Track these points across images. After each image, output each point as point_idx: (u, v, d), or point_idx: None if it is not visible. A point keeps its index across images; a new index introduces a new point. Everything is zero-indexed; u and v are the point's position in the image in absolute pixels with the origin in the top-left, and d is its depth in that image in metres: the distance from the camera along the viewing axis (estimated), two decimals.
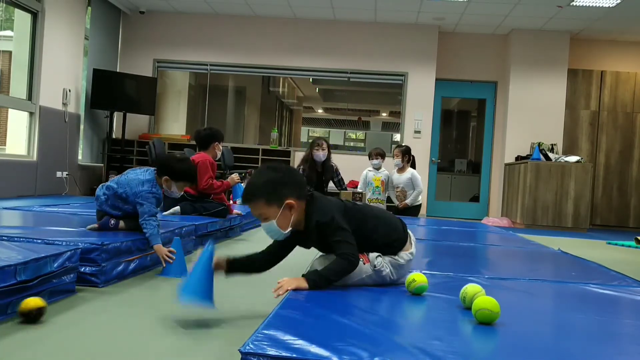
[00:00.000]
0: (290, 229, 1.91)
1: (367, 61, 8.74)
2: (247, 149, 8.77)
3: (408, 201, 6.15)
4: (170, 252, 2.70)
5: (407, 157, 6.21)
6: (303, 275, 1.88)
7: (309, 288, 1.82)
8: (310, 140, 6.18)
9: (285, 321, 1.42)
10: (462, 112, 11.05)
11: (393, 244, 2.04)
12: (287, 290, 1.79)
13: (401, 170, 6.22)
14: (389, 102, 12.00)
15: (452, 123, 10.94)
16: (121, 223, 2.85)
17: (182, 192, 3.08)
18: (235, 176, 4.64)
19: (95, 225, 2.82)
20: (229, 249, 3.83)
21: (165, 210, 4.24)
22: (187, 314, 2.01)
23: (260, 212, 1.89)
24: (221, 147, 4.67)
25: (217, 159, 4.68)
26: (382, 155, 6.27)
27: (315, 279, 1.85)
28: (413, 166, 6.38)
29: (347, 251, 1.88)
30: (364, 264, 1.96)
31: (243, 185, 4.79)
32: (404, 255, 2.04)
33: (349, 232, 1.92)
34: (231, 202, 5.38)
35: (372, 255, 1.98)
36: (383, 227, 2.04)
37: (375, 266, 1.96)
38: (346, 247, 1.89)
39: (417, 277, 1.87)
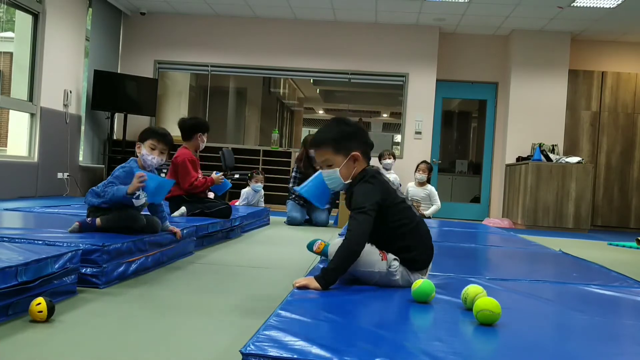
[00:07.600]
0: (350, 181, 1.99)
1: (367, 62, 8.75)
2: (248, 150, 8.78)
3: (427, 213, 6.42)
4: (140, 177, 2.68)
5: (430, 174, 6.67)
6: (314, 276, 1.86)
7: (321, 287, 1.80)
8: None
9: (287, 322, 1.42)
10: (462, 113, 11.04)
11: (415, 258, 1.99)
12: (299, 285, 1.80)
13: (422, 184, 6.58)
14: (390, 103, 11.99)
15: (453, 124, 10.94)
16: (98, 221, 2.75)
17: (159, 159, 2.88)
18: (218, 176, 4.49)
19: (77, 225, 2.74)
20: (230, 250, 3.83)
21: (171, 212, 4.24)
22: (188, 315, 2.01)
23: (326, 158, 1.99)
24: (205, 139, 4.54)
25: (200, 150, 4.61)
26: (395, 156, 6.85)
27: (321, 275, 1.83)
28: (428, 181, 6.69)
29: (351, 231, 1.86)
30: (382, 260, 1.93)
31: (230, 182, 4.74)
32: (418, 277, 1.95)
33: (372, 215, 1.88)
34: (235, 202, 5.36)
35: (391, 256, 1.96)
36: (418, 241, 2.01)
37: (390, 267, 1.94)
38: (355, 225, 1.88)
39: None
